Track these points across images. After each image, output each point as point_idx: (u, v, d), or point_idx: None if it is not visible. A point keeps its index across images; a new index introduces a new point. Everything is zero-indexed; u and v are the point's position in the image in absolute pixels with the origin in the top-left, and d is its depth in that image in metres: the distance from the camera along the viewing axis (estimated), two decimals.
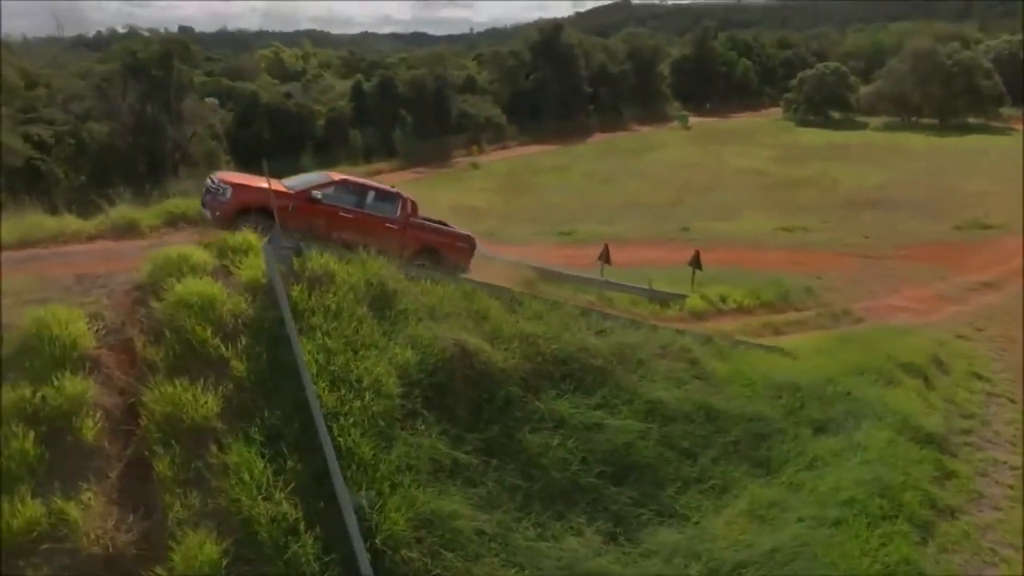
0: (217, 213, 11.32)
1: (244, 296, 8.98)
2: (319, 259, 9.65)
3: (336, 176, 12.65)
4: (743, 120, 73.88)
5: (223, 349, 8.36)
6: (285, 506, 7.31)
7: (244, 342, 8.48)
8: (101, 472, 7.36)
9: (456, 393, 9.17)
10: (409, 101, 55.69)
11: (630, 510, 9.29)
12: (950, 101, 62.54)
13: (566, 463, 9.34)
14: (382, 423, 8.23)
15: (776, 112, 77.83)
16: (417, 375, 8.94)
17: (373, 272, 9.91)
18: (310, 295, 9.22)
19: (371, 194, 12.38)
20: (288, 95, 54.57)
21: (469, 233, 13.48)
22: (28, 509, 6.69)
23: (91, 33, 62.50)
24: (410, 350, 9.16)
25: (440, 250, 12.61)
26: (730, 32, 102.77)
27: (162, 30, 39.65)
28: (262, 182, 11.00)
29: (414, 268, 11.19)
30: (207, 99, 42.11)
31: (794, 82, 72.62)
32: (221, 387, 8.02)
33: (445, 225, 13.19)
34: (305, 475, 7.62)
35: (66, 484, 7.07)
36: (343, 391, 8.33)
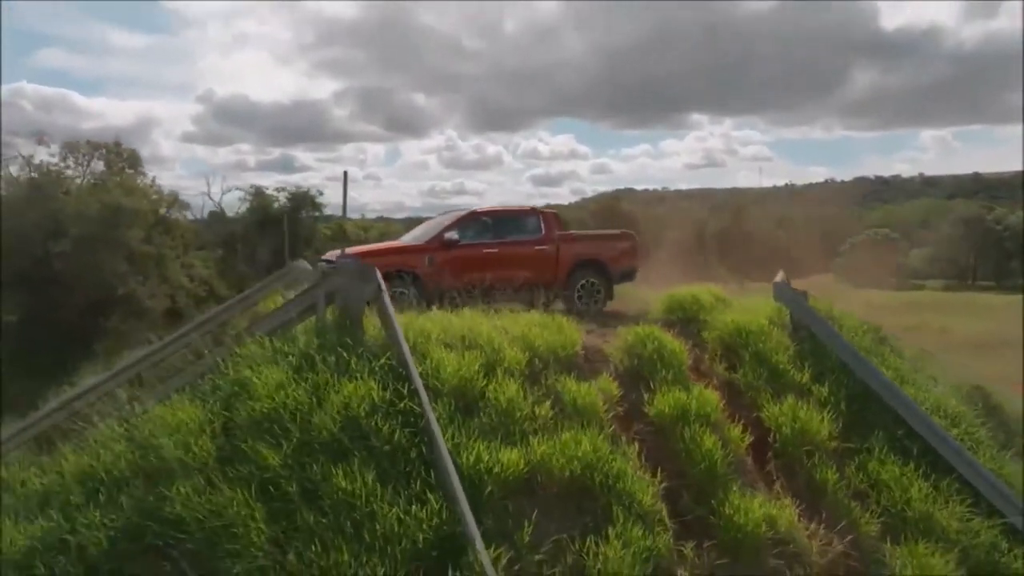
0: None
1: (778, 329, 8.85)
2: (815, 301, 9.65)
3: (460, 212, 10.56)
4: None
5: (796, 375, 8.11)
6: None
7: (808, 369, 8.22)
8: (765, 484, 6.87)
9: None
10: None
11: None
12: (1005, 263, 64.95)
13: None
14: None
15: (817, 278, 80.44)
16: (957, 409, 8.61)
17: (854, 320, 9.93)
18: None
19: (507, 219, 10.45)
20: None
21: (625, 230, 11.45)
22: (757, 508, 6.16)
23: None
24: (940, 387, 8.93)
25: (607, 262, 10.43)
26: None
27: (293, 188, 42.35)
28: (385, 244, 10.22)
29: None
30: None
31: (844, 247, 75.74)
32: (822, 409, 7.68)
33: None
34: (965, 491, 7.14)
35: (754, 489, 6.59)
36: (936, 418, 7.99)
